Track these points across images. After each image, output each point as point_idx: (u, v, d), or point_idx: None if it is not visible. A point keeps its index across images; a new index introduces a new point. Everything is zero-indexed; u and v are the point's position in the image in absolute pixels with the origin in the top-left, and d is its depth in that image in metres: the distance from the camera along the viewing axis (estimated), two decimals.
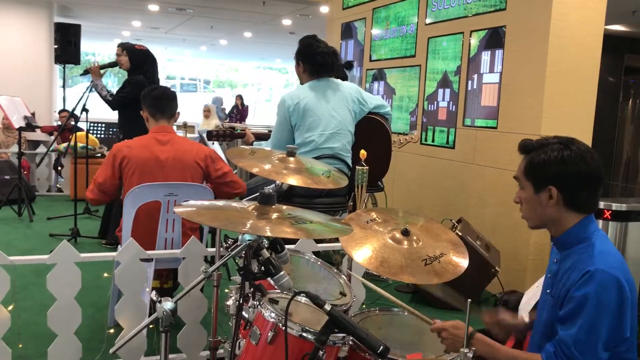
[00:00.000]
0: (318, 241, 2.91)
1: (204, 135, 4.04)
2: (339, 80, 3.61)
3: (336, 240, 2.71)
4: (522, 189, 1.84)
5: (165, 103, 3.21)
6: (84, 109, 4.96)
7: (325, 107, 3.41)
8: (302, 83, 3.58)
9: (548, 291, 1.84)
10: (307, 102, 3.39)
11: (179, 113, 3.35)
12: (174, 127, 3.44)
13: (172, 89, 3.39)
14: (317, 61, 3.48)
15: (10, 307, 2.50)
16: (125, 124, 4.82)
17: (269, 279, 1.78)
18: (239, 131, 3.92)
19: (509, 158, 4.02)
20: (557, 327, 1.72)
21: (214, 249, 2.70)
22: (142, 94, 3.28)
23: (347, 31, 6.30)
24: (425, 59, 4.97)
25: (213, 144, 4.07)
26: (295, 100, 3.40)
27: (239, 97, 16.14)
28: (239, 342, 1.81)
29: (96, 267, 3.05)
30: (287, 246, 1.97)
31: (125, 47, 4.78)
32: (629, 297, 1.65)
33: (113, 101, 4.78)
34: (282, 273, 1.75)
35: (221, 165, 3.20)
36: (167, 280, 3.27)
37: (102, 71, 4.92)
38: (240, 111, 15.36)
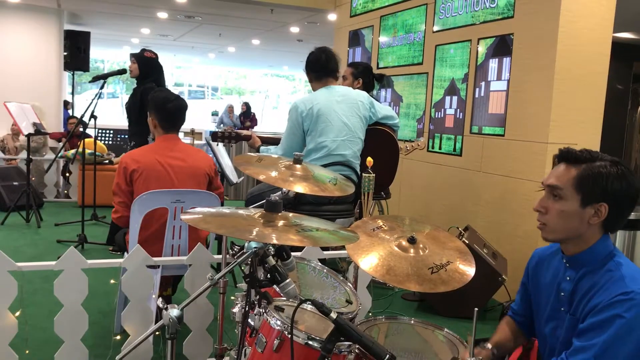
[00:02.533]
0: (324, 248, 2.91)
1: (212, 143, 4.03)
2: (348, 88, 3.66)
3: (342, 247, 2.71)
4: (560, 199, 1.71)
5: (178, 118, 3.20)
6: (93, 116, 5.00)
7: (337, 114, 3.45)
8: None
9: (563, 309, 1.80)
10: (320, 108, 3.42)
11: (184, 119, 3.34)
12: (181, 134, 3.45)
13: (182, 98, 3.34)
14: (311, 61, 3.56)
15: (17, 313, 2.51)
16: (136, 130, 4.85)
17: (274, 286, 1.78)
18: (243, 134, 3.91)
19: (516, 166, 4.01)
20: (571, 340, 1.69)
21: (220, 256, 2.70)
22: (154, 103, 3.22)
23: (355, 39, 6.31)
24: (432, 67, 4.98)
25: (218, 144, 4.07)
26: (309, 105, 3.43)
27: (245, 105, 16.20)
28: (245, 350, 1.81)
29: (103, 273, 3.06)
30: (293, 253, 1.97)
31: (134, 55, 4.84)
32: None
33: (135, 115, 4.81)
34: (288, 280, 1.75)
35: (219, 183, 3.28)
36: (166, 288, 3.28)
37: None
38: (245, 119, 15.39)
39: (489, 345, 1.97)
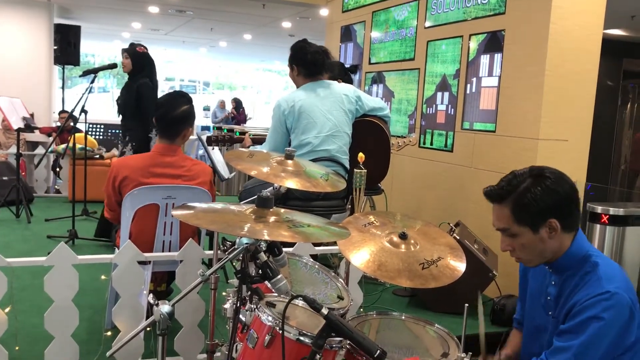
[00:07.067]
0: (316, 244, 2.91)
1: (203, 137, 4.04)
2: (333, 82, 3.65)
3: (334, 243, 2.72)
4: (515, 237, 1.77)
5: (178, 128, 3.01)
6: (83, 110, 4.96)
7: (320, 110, 3.44)
8: (297, 88, 3.61)
9: (550, 313, 1.82)
10: (302, 105, 3.41)
11: (190, 130, 3.11)
12: None
13: (189, 104, 3.07)
14: (308, 60, 3.53)
15: (7, 309, 2.50)
16: (131, 126, 4.83)
17: (266, 282, 1.78)
18: (238, 135, 3.92)
19: (507, 162, 4.02)
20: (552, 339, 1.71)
21: (211, 252, 2.70)
22: (158, 110, 3.04)
23: (347, 34, 6.31)
24: (424, 62, 4.98)
25: (213, 149, 4.07)
26: (290, 103, 3.43)
27: (234, 101, 16.07)
28: (236, 346, 1.81)
29: (94, 269, 3.04)
30: (284, 249, 1.97)
31: (127, 50, 4.83)
32: (637, 316, 1.65)
33: (130, 111, 4.79)
34: (279, 276, 1.75)
35: (213, 193, 3.15)
36: (160, 284, 3.26)
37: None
38: (235, 116, 15.31)
39: (502, 355, 2.00)
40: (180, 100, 3.08)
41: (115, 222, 3.11)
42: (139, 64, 4.79)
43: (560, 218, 1.72)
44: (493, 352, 2.06)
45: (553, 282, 1.82)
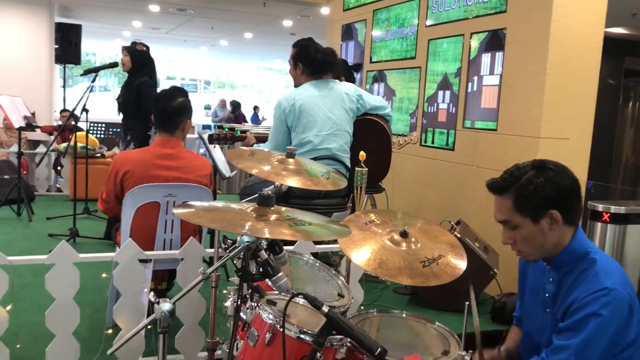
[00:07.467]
0: (317, 242, 2.91)
1: (204, 136, 4.03)
2: (334, 80, 3.64)
3: (335, 241, 2.72)
4: (516, 228, 1.78)
5: (176, 120, 3.04)
6: (84, 109, 4.97)
7: (321, 108, 3.43)
8: (297, 85, 3.61)
9: (548, 310, 1.82)
10: (302, 103, 3.41)
11: (189, 122, 3.13)
12: None
13: (181, 98, 3.11)
14: (318, 61, 3.51)
15: (8, 307, 2.50)
16: (132, 125, 4.83)
17: (267, 280, 1.78)
18: (239, 133, 3.92)
19: (508, 160, 4.01)
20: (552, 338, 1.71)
21: (212, 250, 2.70)
22: (156, 105, 3.07)
23: (348, 33, 6.30)
24: (425, 61, 4.97)
25: (215, 147, 4.07)
26: (291, 101, 3.42)
27: (231, 103, 16.00)
28: (237, 344, 1.82)
29: (95, 267, 3.05)
30: (285, 247, 1.97)
31: (127, 48, 4.83)
32: (636, 312, 1.65)
33: (131, 109, 4.80)
34: (280, 274, 1.75)
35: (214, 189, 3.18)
36: (161, 282, 3.26)
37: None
38: (232, 119, 15.27)
39: (502, 348, 2.01)
40: (176, 93, 3.14)
41: (109, 214, 3.12)
42: (139, 62, 4.80)
43: (562, 210, 1.72)
44: (493, 347, 2.06)
45: (551, 279, 1.82)
